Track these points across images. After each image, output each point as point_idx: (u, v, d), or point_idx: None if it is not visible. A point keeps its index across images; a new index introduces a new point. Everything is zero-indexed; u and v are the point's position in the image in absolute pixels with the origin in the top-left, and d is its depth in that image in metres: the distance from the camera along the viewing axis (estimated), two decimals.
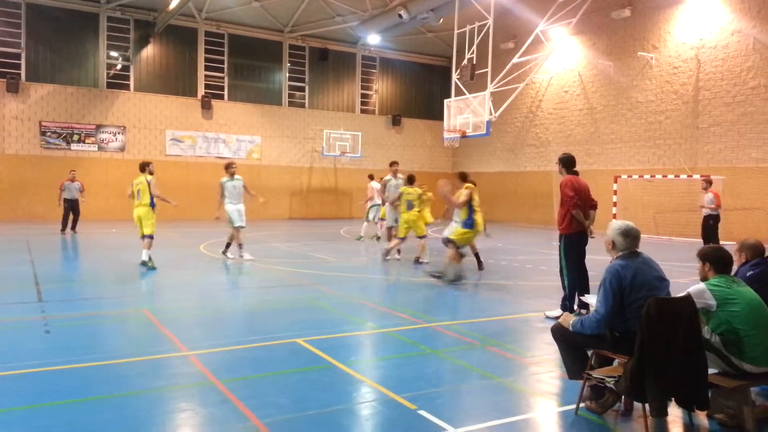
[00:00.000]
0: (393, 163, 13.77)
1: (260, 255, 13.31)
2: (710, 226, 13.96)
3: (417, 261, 12.42)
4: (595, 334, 4.19)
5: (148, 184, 10.98)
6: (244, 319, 7.45)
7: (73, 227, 17.88)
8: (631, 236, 4.29)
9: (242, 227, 12.13)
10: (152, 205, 11.07)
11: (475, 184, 10.12)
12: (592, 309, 4.36)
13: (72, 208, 17.86)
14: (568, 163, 7.58)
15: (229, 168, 12.21)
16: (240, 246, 12.30)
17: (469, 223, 9.78)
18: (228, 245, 12.58)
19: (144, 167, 11.23)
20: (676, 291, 4.14)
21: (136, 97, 24.16)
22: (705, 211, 14.23)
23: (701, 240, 14.07)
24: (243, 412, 4.18)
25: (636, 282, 4.09)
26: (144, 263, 10.98)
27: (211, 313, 7.65)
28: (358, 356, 5.87)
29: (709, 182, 14.54)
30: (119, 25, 23.82)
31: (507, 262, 13.05)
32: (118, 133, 23.76)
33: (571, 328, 4.27)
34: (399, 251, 12.92)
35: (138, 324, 6.99)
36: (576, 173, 7.56)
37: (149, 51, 24.56)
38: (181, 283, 9.93)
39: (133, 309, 7.83)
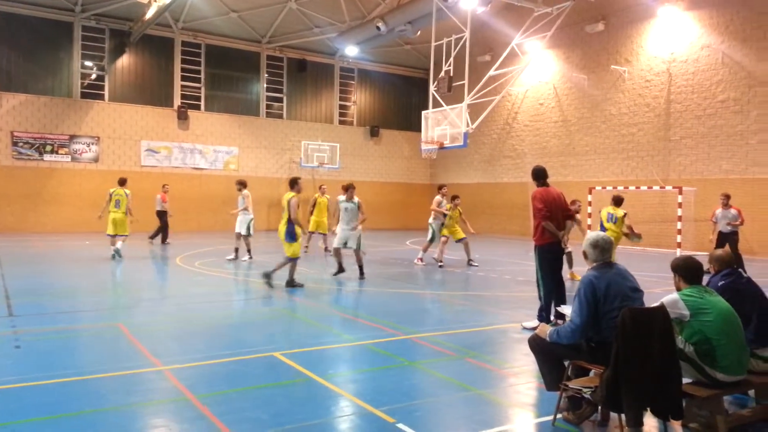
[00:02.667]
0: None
1: (235, 267, 13.28)
2: (734, 242, 13.64)
3: (469, 263, 14.07)
4: (571, 345, 4.24)
5: (127, 196, 13.95)
6: (219, 333, 7.35)
7: (163, 239, 18.36)
8: (599, 247, 4.37)
9: (239, 234, 14.10)
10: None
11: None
12: (568, 319, 4.41)
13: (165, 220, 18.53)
14: (537, 175, 7.73)
15: (238, 184, 14.25)
16: (236, 249, 14.27)
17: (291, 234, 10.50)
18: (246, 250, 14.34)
19: (123, 182, 14.31)
20: (651, 301, 4.20)
21: (111, 107, 23.85)
22: (727, 228, 13.81)
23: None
24: (218, 427, 4.12)
25: (610, 292, 4.15)
26: (117, 251, 13.66)
27: (186, 326, 7.54)
28: (336, 369, 5.83)
29: (728, 197, 14.01)
30: (94, 34, 23.53)
31: (484, 273, 13.12)
32: (92, 144, 23.41)
33: (547, 339, 4.32)
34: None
35: (112, 338, 6.86)
36: (546, 185, 7.66)
37: (125, 61, 24.30)
38: (157, 296, 9.80)
39: (107, 323, 7.69)
